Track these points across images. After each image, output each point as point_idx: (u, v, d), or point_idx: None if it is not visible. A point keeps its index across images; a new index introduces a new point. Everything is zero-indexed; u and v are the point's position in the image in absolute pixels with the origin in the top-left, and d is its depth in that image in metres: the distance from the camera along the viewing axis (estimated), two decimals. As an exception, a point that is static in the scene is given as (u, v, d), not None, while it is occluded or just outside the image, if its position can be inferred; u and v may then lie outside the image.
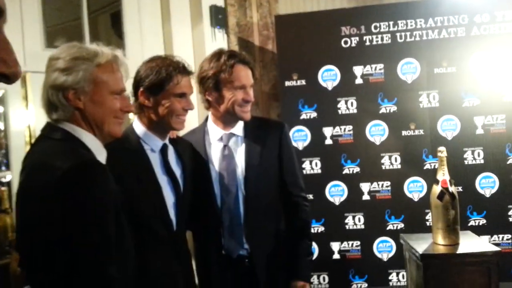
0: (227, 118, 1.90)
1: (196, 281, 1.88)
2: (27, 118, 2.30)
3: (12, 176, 2.23)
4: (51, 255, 1.16)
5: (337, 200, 2.94)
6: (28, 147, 2.25)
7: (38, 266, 1.21)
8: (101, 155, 1.32)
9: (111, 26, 3.18)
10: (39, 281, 1.23)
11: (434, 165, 2.82)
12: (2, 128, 2.29)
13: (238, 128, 1.93)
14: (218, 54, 1.88)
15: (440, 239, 2.05)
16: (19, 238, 1.29)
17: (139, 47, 2.90)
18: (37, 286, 1.24)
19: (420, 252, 1.99)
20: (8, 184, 2.23)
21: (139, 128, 1.71)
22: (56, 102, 1.27)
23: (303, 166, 2.93)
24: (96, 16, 2.84)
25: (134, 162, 1.65)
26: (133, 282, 1.33)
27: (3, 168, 2.28)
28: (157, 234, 1.64)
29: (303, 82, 2.98)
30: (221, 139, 1.91)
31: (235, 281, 1.87)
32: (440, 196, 2.03)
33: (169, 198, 1.68)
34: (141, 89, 1.66)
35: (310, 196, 2.83)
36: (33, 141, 2.21)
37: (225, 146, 1.90)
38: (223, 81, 1.83)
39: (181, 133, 2.05)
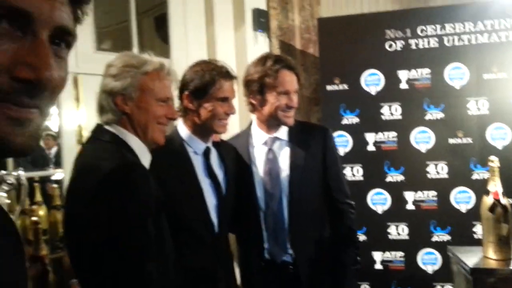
0: (271, 122, 1.89)
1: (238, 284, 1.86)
2: (79, 118, 2.37)
3: (64, 174, 2.29)
4: (96, 255, 1.18)
5: (379, 209, 2.87)
6: (79, 146, 2.32)
7: (84, 264, 1.24)
8: (146, 158, 1.37)
9: (155, 29, 3.23)
10: (85, 278, 1.26)
11: (483, 176, 2.71)
12: (56, 129, 2.36)
13: (283, 132, 1.92)
14: (264, 58, 1.88)
15: (491, 253, 1.96)
16: (67, 237, 1.32)
17: (184, 50, 2.94)
18: (84, 283, 1.28)
19: (470, 266, 1.91)
20: (60, 182, 2.29)
21: (183, 131, 1.73)
22: (106, 106, 1.34)
23: (344, 172, 2.87)
24: (141, 19, 2.89)
25: (177, 165, 1.66)
26: (173, 284, 1.33)
27: (53, 166, 2.35)
28: (199, 237, 1.65)
29: (345, 86, 2.93)
30: (265, 143, 1.90)
31: (278, 286, 1.84)
32: (492, 209, 1.94)
33: (211, 201, 1.69)
34: (186, 92, 1.68)
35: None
36: (84, 140, 2.30)
37: (270, 149, 1.89)
38: (267, 86, 1.83)
39: (226, 137, 2.04)
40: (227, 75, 1.70)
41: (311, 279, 1.83)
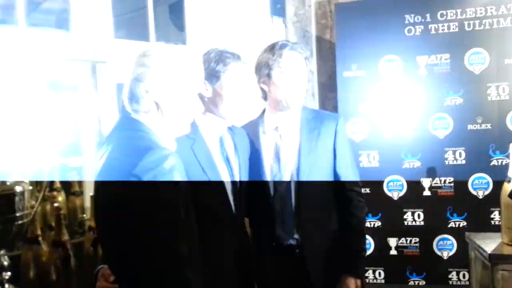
0: (281, 107, 1.90)
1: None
2: (97, 106, 2.40)
3: (83, 161, 2.33)
4: (126, 239, 1.18)
5: (395, 195, 2.86)
6: (96, 135, 2.36)
7: (118, 263, 1.24)
8: (172, 147, 1.36)
9: (170, 17, 3.24)
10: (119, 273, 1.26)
11: (502, 161, 2.68)
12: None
13: (294, 119, 1.92)
14: (272, 43, 1.90)
15: (510, 239, 1.95)
16: (99, 227, 1.33)
17: (199, 37, 2.94)
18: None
19: (489, 252, 1.91)
20: (78, 169, 2.33)
21: (198, 117, 1.74)
22: (137, 93, 1.31)
23: (360, 159, 2.87)
24: (156, 6, 2.90)
25: (194, 150, 1.68)
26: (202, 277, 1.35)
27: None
28: (218, 220, 1.68)
29: (363, 72, 2.90)
30: (276, 128, 1.92)
31: (285, 270, 1.86)
32: (512, 195, 1.92)
33: (228, 184, 1.72)
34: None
35: (367, 190, 2.78)
36: (102, 128, 2.34)
37: (280, 135, 1.91)
38: (275, 69, 1.84)
39: (239, 123, 2.06)
40: (239, 59, 1.72)
41: (317, 263, 1.84)
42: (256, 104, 2.74)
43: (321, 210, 1.89)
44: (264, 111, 1.99)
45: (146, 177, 1.16)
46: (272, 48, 1.86)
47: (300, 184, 1.85)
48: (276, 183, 1.87)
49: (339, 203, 1.94)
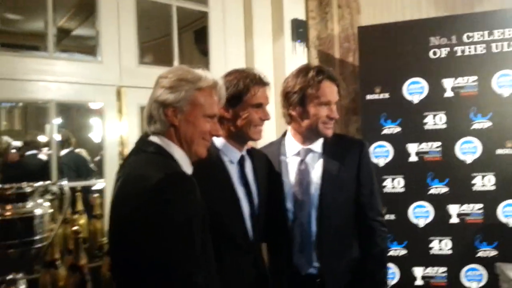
0: (309, 134, 1.87)
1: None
2: (121, 130, 2.46)
3: (105, 184, 2.38)
4: (142, 265, 1.19)
5: (421, 222, 2.77)
6: (120, 157, 2.42)
7: (128, 274, 1.24)
8: (188, 170, 1.38)
9: (195, 43, 3.32)
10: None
11: (534, 188, 2.56)
12: (99, 140, 2.46)
13: (317, 144, 1.90)
14: (305, 69, 1.87)
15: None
16: (112, 245, 1.35)
17: (223, 62, 2.99)
18: None
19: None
20: (101, 191, 2.38)
21: (218, 140, 1.74)
22: (156, 115, 1.36)
23: (384, 183, 2.79)
24: (181, 33, 2.97)
25: (214, 175, 1.67)
26: None
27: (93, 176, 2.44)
28: (235, 244, 1.66)
29: (386, 95, 2.86)
30: (298, 153, 1.89)
31: None
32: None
33: (246, 209, 1.70)
34: None
35: (392, 217, 2.70)
36: (125, 151, 2.39)
37: (302, 160, 1.87)
38: (309, 97, 1.81)
39: (259, 145, 2.05)
40: (260, 81, 1.70)
41: None
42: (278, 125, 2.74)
43: (343, 238, 1.84)
44: (285, 133, 1.97)
45: (165, 196, 1.18)
46: (306, 74, 1.83)
47: (322, 212, 1.81)
48: (297, 209, 1.83)
49: (362, 232, 1.88)
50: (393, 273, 2.75)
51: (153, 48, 2.99)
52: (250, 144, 1.82)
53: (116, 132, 2.46)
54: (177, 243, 1.17)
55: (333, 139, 1.91)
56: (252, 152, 1.82)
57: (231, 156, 1.72)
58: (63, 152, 2.90)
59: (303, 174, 1.85)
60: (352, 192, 1.85)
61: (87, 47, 2.65)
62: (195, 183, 1.26)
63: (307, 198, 1.83)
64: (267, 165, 1.87)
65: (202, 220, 1.26)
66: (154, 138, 1.36)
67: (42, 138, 3.07)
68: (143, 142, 1.38)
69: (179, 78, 1.36)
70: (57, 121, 2.38)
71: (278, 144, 1.96)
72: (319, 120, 1.81)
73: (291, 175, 1.87)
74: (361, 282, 1.82)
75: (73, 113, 3.09)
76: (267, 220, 1.80)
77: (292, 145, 1.91)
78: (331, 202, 1.81)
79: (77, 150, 3.12)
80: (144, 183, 1.21)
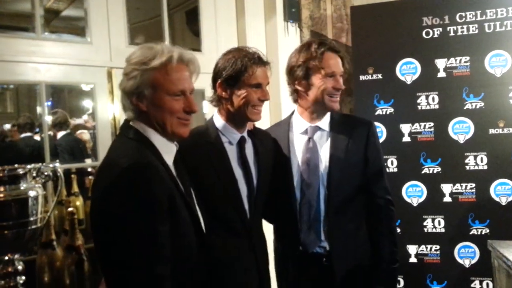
0: (315, 109, 1.85)
1: (272, 275, 1.85)
2: (113, 111, 2.43)
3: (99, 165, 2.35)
4: (107, 253, 1.19)
5: (415, 201, 2.79)
6: (112, 138, 2.38)
7: (101, 259, 1.24)
8: (169, 153, 1.35)
9: (186, 23, 3.26)
10: (104, 271, 1.26)
11: (526, 167, 2.59)
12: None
13: (325, 122, 1.88)
14: (308, 43, 1.86)
15: (535, 248, 1.87)
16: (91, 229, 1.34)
17: (214, 42, 2.95)
18: (104, 275, 1.28)
19: (512, 261, 1.83)
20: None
21: (218, 121, 1.72)
22: (126, 104, 1.33)
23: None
24: (172, 13, 2.92)
25: (212, 155, 1.66)
26: (193, 279, 1.32)
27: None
28: (232, 226, 1.65)
29: (379, 76, 2.86)
30: (305, 131, 1.87)
31: (311, 279, 1.81)
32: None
33: (243, 189, 1.68)
34: (219, 81, 1.66)
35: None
36: (117, 132, 2.35)
37: (310, 139, 1.86)
38: (313, 69, 1.80)
39: (266, 126, 2.02)
40: (259, 61, 1.66)
41: (346, 273, 1.78)
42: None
43: (351, 216, 1.84)
44: (293, 113, 1.96)
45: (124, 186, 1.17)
46: (308, 48, 1.82)
47: (330, 190, 1.80)
48: (304, 187, 1.82)
49: (370, 210, 1.88)
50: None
51: (144, 29, 2.94)
52: (251, 124, 1.79)
53: (108, 113, 2.43)
54: (133, 235, 1.14)
55: (341, 118, 1.91)
56: (254, 133, 1.79)
57: (230, 137, 1.70)
58: (60, 134, 2.84)
59: (311, 152, 1.84)
60: (360, 171, 1.84)
61: (77, 28, 2.59)
62: (158, 172, 1.22)
63: (315, 177, 1.81)
64: (272, 145, 1.85)
65: (170, 204, 1.23)
66: (134, 123, 1.33)
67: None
68: (125, 127, 1.35)
69: (134, 62, 1.29)
70: (48, 103, 2.34)
71: (286, 123, 1.94)
72: (325, 92, 1.80)
73: (298, 153, 1.86)
74: (371, 262, 1.82)
75: (65, 95, 3.03)
76: (273, 199, 1.79)
77: (300, 123, 1.89)
78: (339, 180, 1.80)
79: (78, 132, 3.08)
80: (109, 171, 1.20)
